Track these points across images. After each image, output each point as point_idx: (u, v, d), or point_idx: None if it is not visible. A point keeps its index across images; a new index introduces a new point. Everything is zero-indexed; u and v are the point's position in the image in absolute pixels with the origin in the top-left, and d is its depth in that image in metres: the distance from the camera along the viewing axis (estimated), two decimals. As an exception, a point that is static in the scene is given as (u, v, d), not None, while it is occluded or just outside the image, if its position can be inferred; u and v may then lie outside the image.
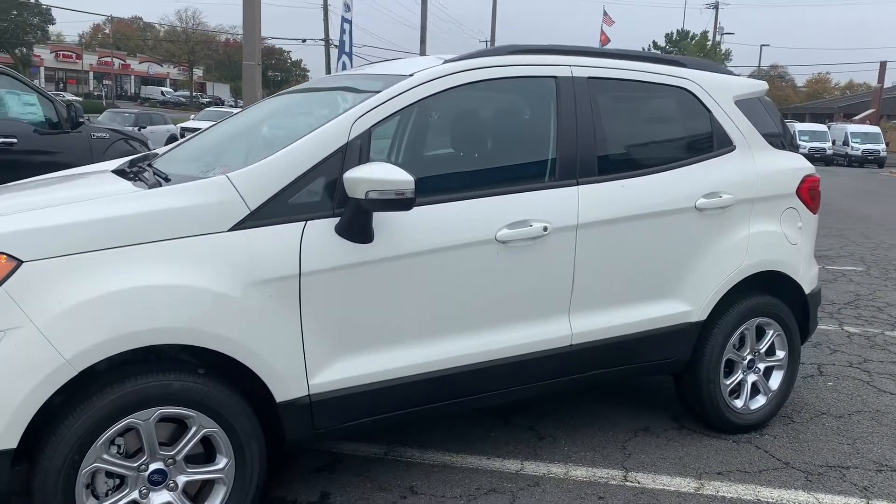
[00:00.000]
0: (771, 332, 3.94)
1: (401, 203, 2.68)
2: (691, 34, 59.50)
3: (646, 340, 3.54)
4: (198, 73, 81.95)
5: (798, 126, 41.86)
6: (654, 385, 4.53)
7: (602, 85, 3.50)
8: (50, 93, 9.04)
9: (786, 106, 75.53)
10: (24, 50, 54.06)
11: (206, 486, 2.71)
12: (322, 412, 2.83)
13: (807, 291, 4.00)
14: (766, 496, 3.31)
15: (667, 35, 62.54)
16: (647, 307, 3.53)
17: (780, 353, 4.00)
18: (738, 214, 3.73)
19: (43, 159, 7.56)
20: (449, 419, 3.96)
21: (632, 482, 3.38)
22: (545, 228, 3.16)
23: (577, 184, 3.32)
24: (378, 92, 3.02)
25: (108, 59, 74.36)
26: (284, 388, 2.72)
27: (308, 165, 2.78)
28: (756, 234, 3.78)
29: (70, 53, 73.49)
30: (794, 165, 4.02)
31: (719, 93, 3.82)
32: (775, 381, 4.02)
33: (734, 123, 3.82)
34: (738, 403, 3.90)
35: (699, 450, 3.73)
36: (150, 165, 3.38)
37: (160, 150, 4.08)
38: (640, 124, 3.70)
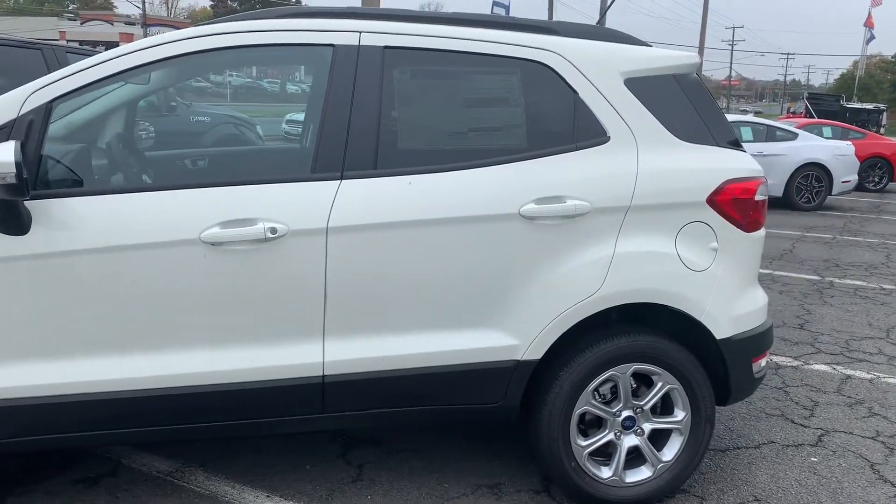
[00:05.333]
0: (660, 384, 2.98)
1: (6, 189, 2.27)
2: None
3: (446, 378, 2.79)
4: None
5: None
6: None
7: (405, 57, 2.80)
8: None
9: None
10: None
11: None
12: None
13: (720, 336, 2.97)
14: None
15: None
16: (448, 336, 2.78)
17: (680, 414, 3.02)
18: (598, 226, 2.83)
19: None
20: (283, 442, 3.47)
21: (393, 555, 2.69)
22: (273, 230, 2.57)
23: (342, 178, 2.68)
24: None
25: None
26: None
27: None
28: (627, 253, 2.85)
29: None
30: (712, 166, 2.97)
31: (597, 68, 2.92)
32: (671, 448, 3.04)
33: (614, 108, 2.91)
34: (605, 473, 2.99)
35: (530, 525, 2.91)
36: None
37: None
38: (458, 108, 2.90)
